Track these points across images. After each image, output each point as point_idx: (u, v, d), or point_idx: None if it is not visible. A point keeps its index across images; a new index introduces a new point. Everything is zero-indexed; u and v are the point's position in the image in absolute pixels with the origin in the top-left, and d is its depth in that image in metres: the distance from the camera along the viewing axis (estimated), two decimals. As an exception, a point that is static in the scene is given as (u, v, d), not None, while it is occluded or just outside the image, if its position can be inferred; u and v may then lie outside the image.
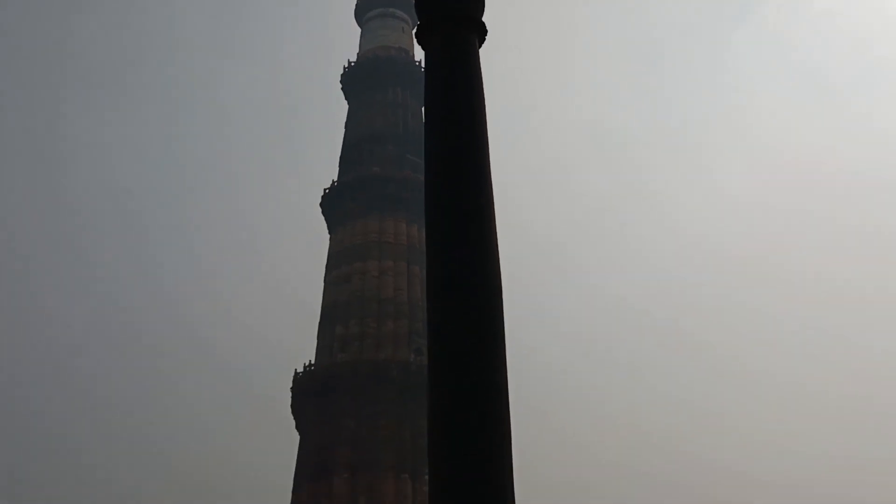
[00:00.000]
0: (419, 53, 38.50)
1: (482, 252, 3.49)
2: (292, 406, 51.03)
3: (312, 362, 50.88)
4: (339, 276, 45.92)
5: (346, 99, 44.59)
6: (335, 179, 41.24)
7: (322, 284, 46.31)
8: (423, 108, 3.92)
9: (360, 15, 47.03)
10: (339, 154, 43.51)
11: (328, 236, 44.54)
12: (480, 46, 3.69)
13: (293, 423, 51.69)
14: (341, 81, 44.95)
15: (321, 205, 42.12)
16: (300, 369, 49.47)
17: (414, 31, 3.84)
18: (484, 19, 3.69)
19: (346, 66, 44.21)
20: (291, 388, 50.77)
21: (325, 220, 43.19)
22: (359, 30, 46.76)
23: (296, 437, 51.28)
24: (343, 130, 44.21)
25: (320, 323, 52.65)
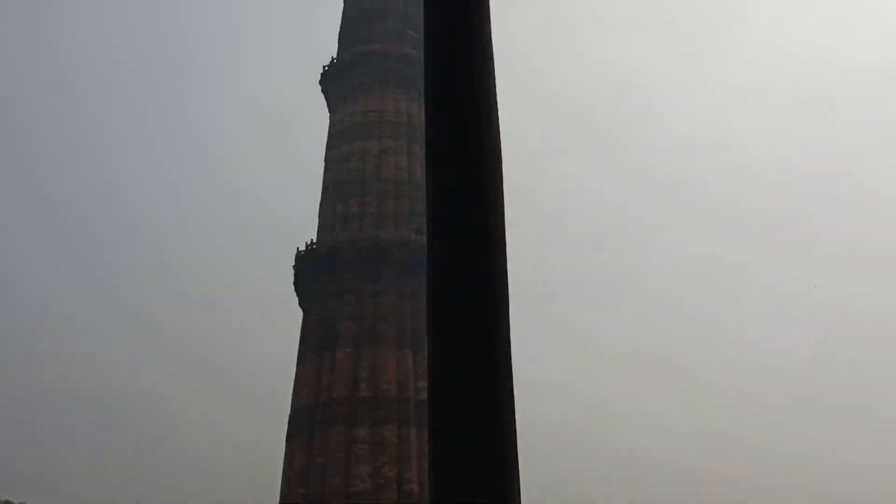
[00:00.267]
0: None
1: (482, 119, 3.51)
2: (295, 283, 51.76)
3: (314, 241, 51.41)
4: (340, 156, 45.78)
5: (345, -27, 43.45)
6: (334, 56, 40.55)
7: (323, 163, 46.10)
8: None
9: None
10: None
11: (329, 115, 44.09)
12: None
13: (297, 300, 52.56)
14: (340, -45, 43.68)
15: (321, 83, 41.50)
16: (302, 248, 49.93)
17: None
18: None
19: (345, -61, 42.90)
20: (294, 266, 51.43)
21: (325, 98, 42.70)
22: None
23: (299, 313, 52.17)
24: (342, 4, 43.23)
25: (321, 202, 52.87)
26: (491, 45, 3.66)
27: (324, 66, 40.90)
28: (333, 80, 41.44)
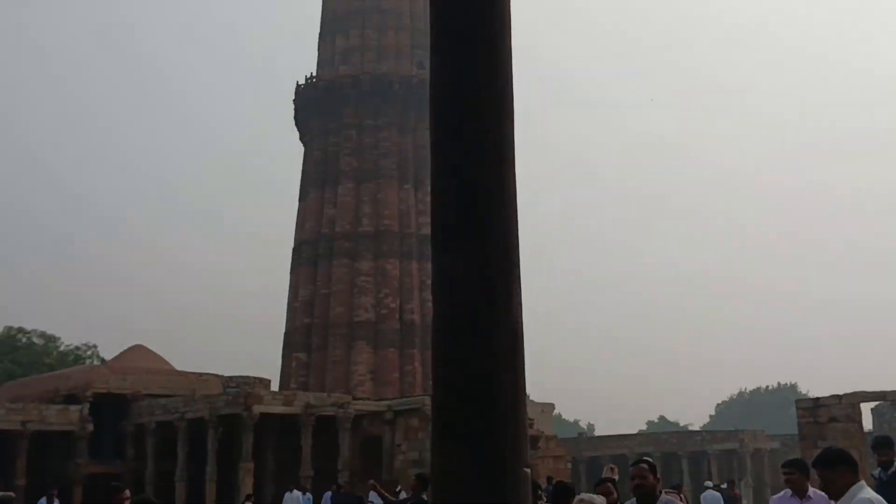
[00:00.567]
0: None
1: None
2: (295, 118, 51.35)
3: (314, 74, 50.48)
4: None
5: None
6: None
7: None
8: None
9: None
10: None
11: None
12: None
13: (297, 134, 52.18)
14: None
15: None
16: (302, 82, 49.15)
17: None
18: None
19: None
20: (294, 101, 50.75)
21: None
22: None
23: (300, 148, 51.91)
24: None
25: (321, 35, 51.71)
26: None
27: None
28: None
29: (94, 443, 34.77)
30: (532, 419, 30.86)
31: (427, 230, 52.48)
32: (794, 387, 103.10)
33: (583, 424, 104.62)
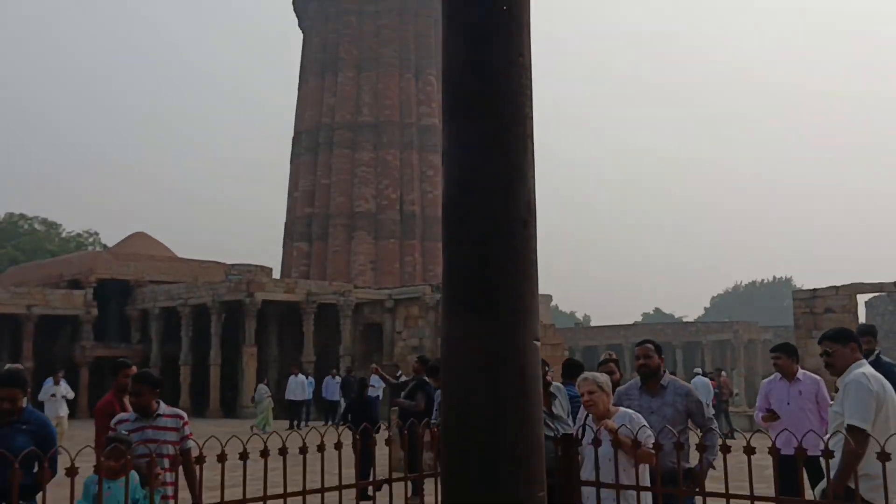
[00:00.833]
0: None
1: None
2: (294, 2, 50.16)
3: (313, -43, 49.00)
4: None
5: None
6: None
7: None
8: None
9: None
10: None
11: None
12: None
13: (296, 20, 51.11)
14: None
15: None
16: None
17: None
18: None
19: None
20: (293, -18, 49.38)
21: None
22: None
23: (298, 35, 51.00)
24: None
25: (320, -86, 49.97)
26: None
27: None
28: None
29: (98, 327, 35.31)
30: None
31: (428, 121, 51.93)
32: (789, 281, 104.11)
33: (579, 316, 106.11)
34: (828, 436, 4.80)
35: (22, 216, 66.67)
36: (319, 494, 5.12)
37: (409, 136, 47.38)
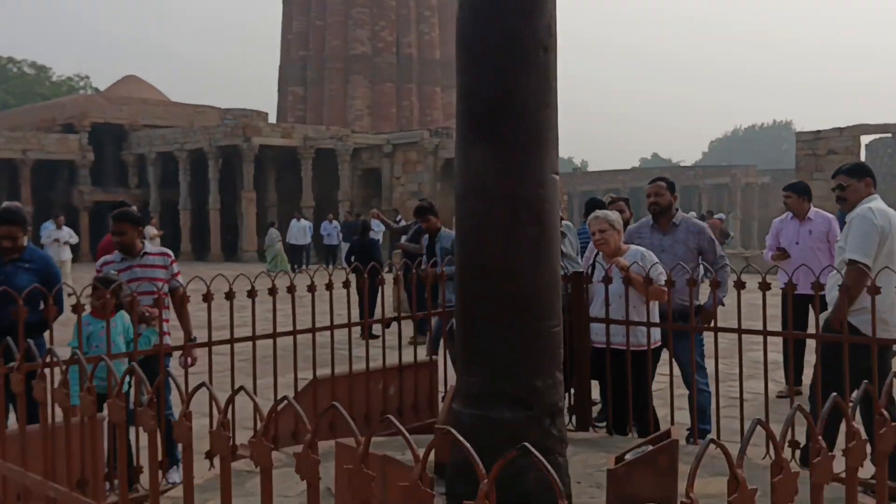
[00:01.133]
0: None
1: None
2: None
3: None
4: None
5: None
6: None
7: None
8: None
9: None
10: None
11: None
12: None
13: None
14: None
15: None
16: None
17: None
18: None
19: None
20: None
21: None
22: None
23: None
24: None
25: None
26: None
27: None
28: None
29: (95, 172, 35.13)
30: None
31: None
32: (788, 124, 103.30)
33: (577, 161, 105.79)
34: (833, 271, 4.75)
35: (10, 59, 65.20)
36: (329, 332, 5.12)
37: (406, -26, 45.75)
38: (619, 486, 3.40)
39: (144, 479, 4.55)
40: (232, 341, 4.75)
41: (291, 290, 4.84)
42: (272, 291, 4.78)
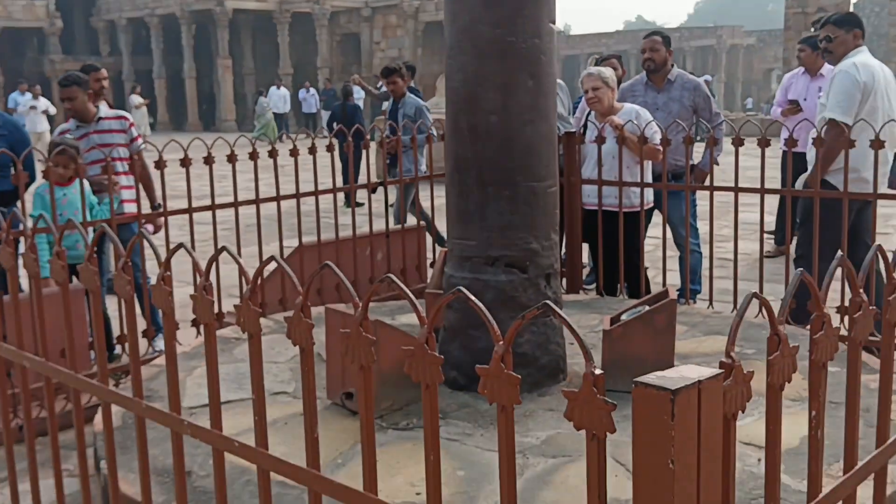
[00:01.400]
0: None
1: None
2: None
3: None
4: None
5: None
6: None
7: None
8: None
9: None
10: None
11: None
12: None
13: None
14: None
15: None
16: None
17: None
18: None
19: None
20: None
21: None
22: None
23: None
24: None
25: None
26: None
27: None
28: None
29: (66, 40, 34.01)
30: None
31: None
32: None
33: (559, 25, 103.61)
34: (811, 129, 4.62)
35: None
36: (313, 198, 4.96)
37: None
38: (615, 347, 3.34)
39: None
40: (214, 208, 4.60)
41: (273, 154, 4.65)
42: (253, 156, 4.60)
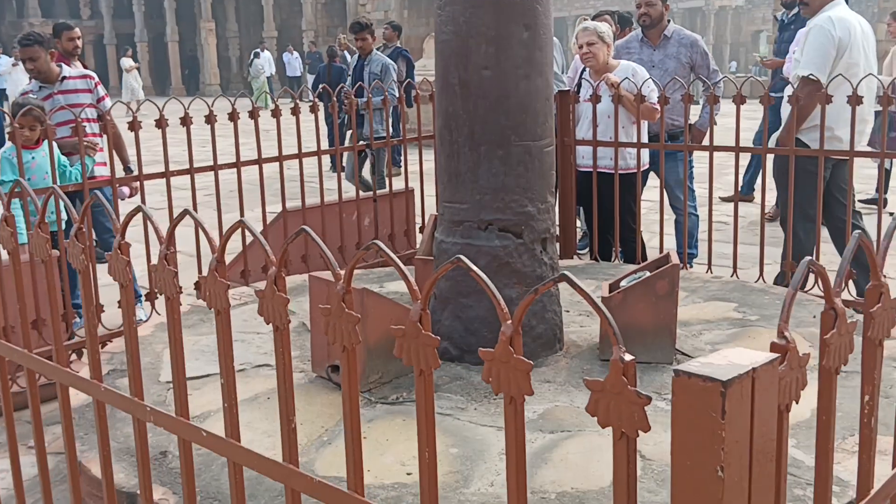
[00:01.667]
0: None
1: None
2: None
3: None
4: None
5: None
6: None
7: None
8: None
9: None
10: None
11: None
12: None
13: None
14: None
15: None
16: None
17: None
18: None
19: None
20: None
21: None
22: None
23: None
24: None
25: None
26: None
27: None
28: None
29: (45, 3, 33.41)
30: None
31: None
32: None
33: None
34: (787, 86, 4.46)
35: None
36: (297, 160, 4.77)
37: None
38: (615, 315, 3.18)
39: (107, 318, 4.29)
40: (192, 171, 4.39)
41: (254, 114, 4.45)
42: (233, 117, 4.39)
